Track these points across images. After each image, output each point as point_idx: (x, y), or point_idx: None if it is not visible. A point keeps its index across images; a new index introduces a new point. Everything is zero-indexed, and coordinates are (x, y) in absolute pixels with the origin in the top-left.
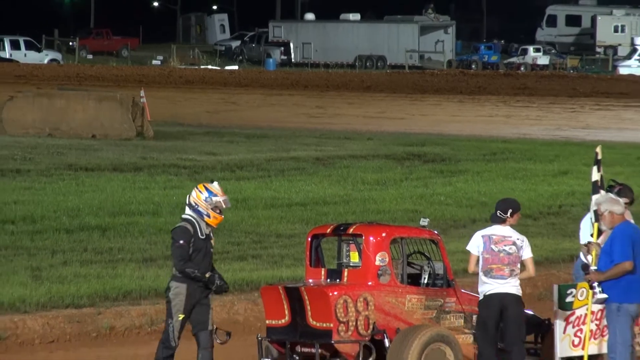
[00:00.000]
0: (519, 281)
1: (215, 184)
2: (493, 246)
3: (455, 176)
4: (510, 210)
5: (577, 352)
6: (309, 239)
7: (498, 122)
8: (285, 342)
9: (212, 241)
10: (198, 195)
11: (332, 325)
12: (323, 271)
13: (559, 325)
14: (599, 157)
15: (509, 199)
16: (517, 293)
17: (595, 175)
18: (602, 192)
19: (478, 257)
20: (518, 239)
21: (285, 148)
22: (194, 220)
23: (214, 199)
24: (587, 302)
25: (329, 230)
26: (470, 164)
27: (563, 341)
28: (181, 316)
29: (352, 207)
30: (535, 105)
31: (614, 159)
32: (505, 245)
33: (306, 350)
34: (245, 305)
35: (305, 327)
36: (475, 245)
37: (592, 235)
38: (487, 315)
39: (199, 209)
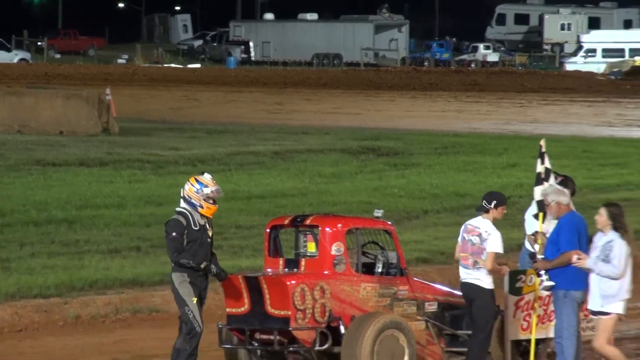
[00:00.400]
0: (484, 272)
1: (206, 175)
2: (465, 235)
3: (408, 169)
4: (494, 202)
5: (525, 336)
6: (268, 230)
7: (449, 117)
8: (245, 329)
9: (209, 232)
10: (190, 188)
11: (290, 312)
12: (281, 261)
13: (509, 309)
14: (543, 149)
15: (496, 192)
16: (481, 285)
17: (539, 167)
18: (547, 183)
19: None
20: (485, 232)
21: (245, 143)
22: (187, 213)
23: (204, 190)
24: (535, 288)
25: (287, 222)
26: (422, 157)
27: (512, 325)
28: (194, 299)
29: (309, 199)
30: (485, 101)
31: (561, 152)
32: (472, 236)
33: (265, 337)
34: (207, 294)
35: (264, 315)
36: (460, 232)
37: (540, 220)
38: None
39: (192, 201)
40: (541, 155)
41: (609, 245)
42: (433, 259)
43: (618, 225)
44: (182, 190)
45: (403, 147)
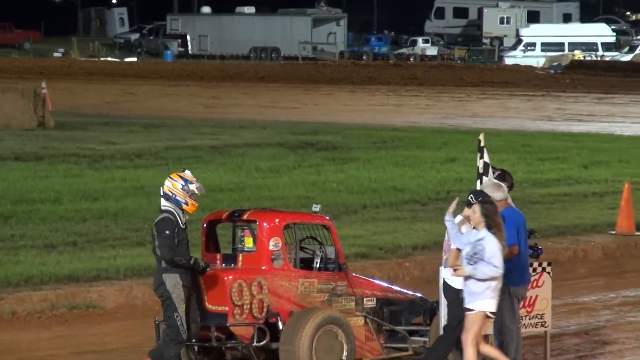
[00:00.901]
0: (450, 270)
1: (187, 172)
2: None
3: (347, 163)
4: (480, 198)
5: None
6: (205, 225)
7: (388, 111)
8: None
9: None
10: (174, 185)
11: (227, 308)
12: (218, 256)
13: (443, 306)
14: (482, 144)
15: (482, 190)
16: (446, 281)
17: (480, 162)
18: (485, 178)
19: None
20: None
21: (182, 137)
22: (173, 211)
23: (190, 186)
24: None
25: (224, 217)
26: (361, 151)
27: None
28: (184, 305)
29: (247, 193)
30: (424, 95)
31: (500, 146)
32: (447, 232)
33: (202, 333)
34: (144, 290)
35: (201, 311)
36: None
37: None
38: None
39: (177, 198)
40: (480, 150)
41: (479, 243)
42: (372, 253)
43: (491, 223)
44: (161, 188)
45: (342, 142)
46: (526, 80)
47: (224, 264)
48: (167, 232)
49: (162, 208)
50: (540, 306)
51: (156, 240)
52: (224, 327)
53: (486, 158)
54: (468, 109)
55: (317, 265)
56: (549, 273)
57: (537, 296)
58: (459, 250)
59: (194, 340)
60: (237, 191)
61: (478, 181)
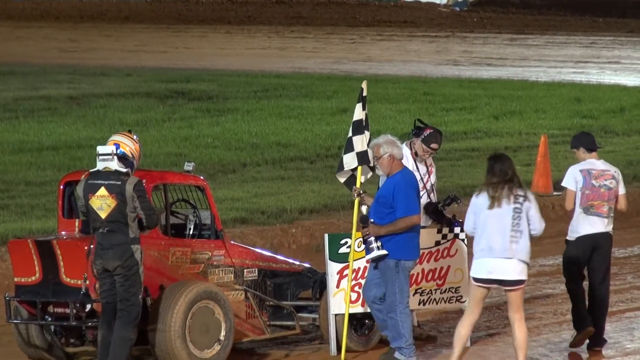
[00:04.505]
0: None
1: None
2: (594, 181)
3: (223, 115)
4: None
5: (355, 309)
6: (62, 187)
7: (270, 55)
8: (36, 301)
9: None
10: (137, 148)
11: (88, 282)
12: (77, 222)
13: (332, 279)
14: (365, 93)
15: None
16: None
17: (359, 114)
18: (367, 132)
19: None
20: (616, 172)
21: (34, 86)
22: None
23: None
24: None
25: (83, 177)
26: (239, 101)
27: (336, 296)
28: None
29: None
30: (311, 36)
31: (399, 95)
32: (606, 180)
33: (60, 310)
34: None
35: (58, 285)
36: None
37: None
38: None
39: (134, 162)
40: (362, 100)
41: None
42: (253, 218)
43: None
44: (115, 147)
45: (217, 90)
46: (428, 20)
47: (83, 232)
48: (148, 196)
49: (117, 169)
50: (453, 278)
51: (134, 205)
52: (84, 303)
53: (366, 109)
54: (362, 53)
55: (191, 232)
56: (462, 240)
57: (449, 267)
58: None
59: (49, 319)
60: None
61: (355, 137)
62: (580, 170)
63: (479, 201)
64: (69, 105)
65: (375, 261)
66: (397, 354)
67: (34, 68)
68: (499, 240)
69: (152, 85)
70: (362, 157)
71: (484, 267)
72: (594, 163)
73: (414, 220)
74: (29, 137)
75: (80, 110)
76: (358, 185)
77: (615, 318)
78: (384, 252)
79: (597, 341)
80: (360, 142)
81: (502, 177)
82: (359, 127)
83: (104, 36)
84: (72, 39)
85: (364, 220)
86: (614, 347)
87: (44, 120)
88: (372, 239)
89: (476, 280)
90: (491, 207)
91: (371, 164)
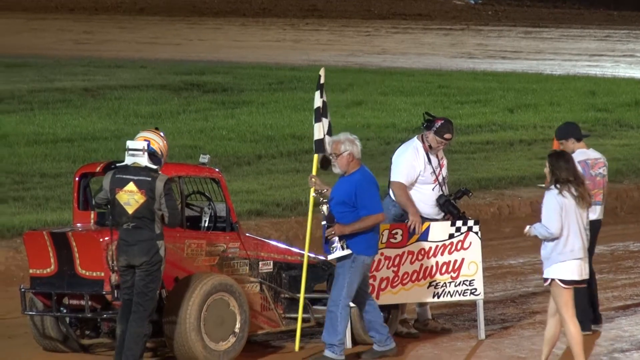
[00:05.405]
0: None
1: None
2: (592, 171)
3: (238, 108)
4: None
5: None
6: (77, 179)
7: (285, 47)
8: (52, 293)
9: None
10: (165, 145)
11: (103, 274)
12: (93, 214)
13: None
14: (322, 80)
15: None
16: None
17: (318, 101)
18: (325, 120)
19: None
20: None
21: (49, 78)
22: None
23: None
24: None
25: (99, 169)
26: (254, 94)
27: None
28: None
29: (124, 143)
30: (326, 29)
31: (414, 88)
32: (600, 168)
33: (75, 302)
34: (7, 254)
35: (73, 277)
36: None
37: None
38: None
39: (162, 160)
40: (320, 87)
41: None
42: (268, 211)
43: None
44: (145, 143)
45: (232, 83)
46: (443, 12)
47: (98, 224)
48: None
49: (147, 165)
50: (467, 271)
51: (161, 202)
52: (100, 295)
53: (324, 97)
54: (376, 45)
55: (206, 225)
56: (476, 233)
57: (462, 260)
58: None
59: (65, 311)
60: (113, 140)
61: (317, 124)
62: (579, 162)
63: (567, 201)
64: (84, 97)
65: (339, 260)
66: (327, 352)
67: (49, 60)
68: (580, 240)
69: (167, 78)
70: (318, 145)
71: (577, 269)
72: (587, 152)
73: (379, 218)
74: (44, 129)
75: (95, 102)
76: (314, 171)
77: (631, 311)
78: (348, 251)
79: (595, 319)
80: (317, 130)
81: (577, 175)
82: (317, 115)
83: (119, 28)
84: (86, 31)
85: (329, 220)
86: (629, 340)
87: (58, 112)
88: (336, 238)
89: (568, 282)
90: (579, 206)
91: (326, 154)
